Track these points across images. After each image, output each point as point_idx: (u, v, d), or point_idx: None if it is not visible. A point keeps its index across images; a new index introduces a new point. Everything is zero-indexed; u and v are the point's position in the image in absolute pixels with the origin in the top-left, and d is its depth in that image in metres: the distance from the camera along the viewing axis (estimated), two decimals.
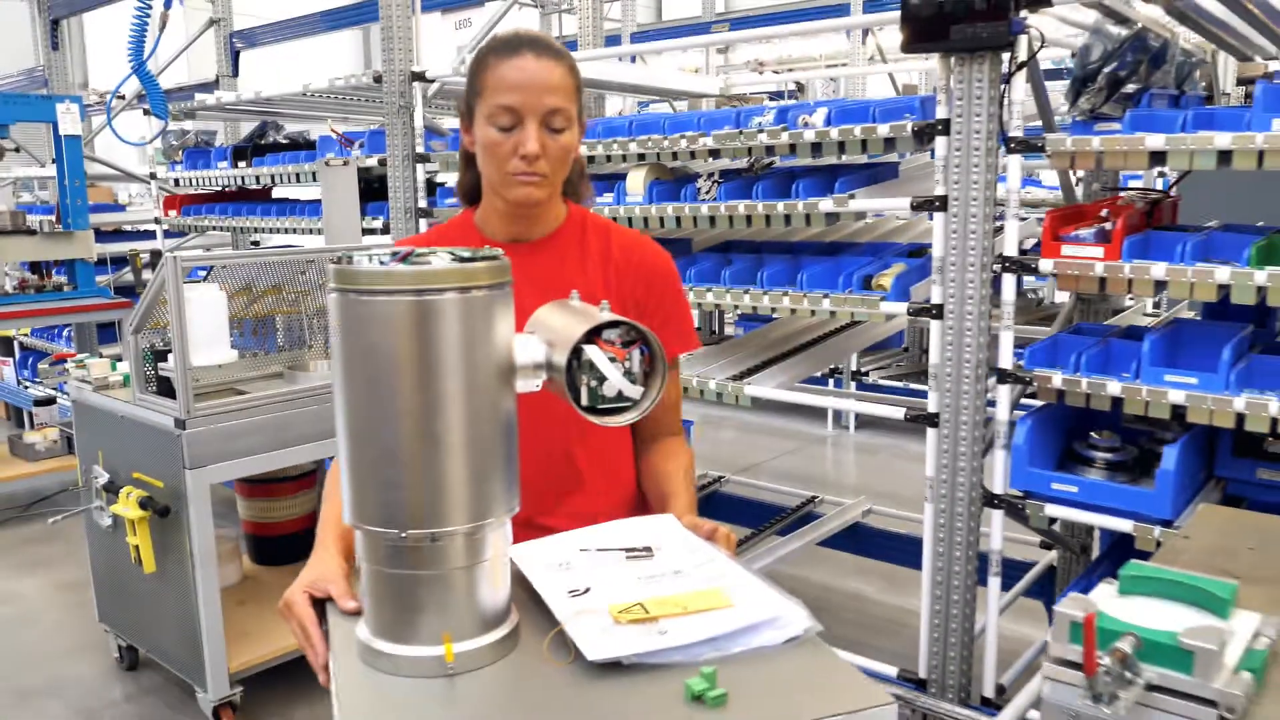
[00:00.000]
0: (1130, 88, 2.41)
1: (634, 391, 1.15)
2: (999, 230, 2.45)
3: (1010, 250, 2.40)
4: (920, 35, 2.33)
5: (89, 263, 5.16)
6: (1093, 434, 2.51)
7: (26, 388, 5.77)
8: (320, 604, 1.28)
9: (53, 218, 5.26)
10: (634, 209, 3.10)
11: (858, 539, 3.72)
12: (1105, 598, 1.41)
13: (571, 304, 1.24)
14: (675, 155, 3.03)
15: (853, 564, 3.97)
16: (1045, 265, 2.36)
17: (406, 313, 1.05)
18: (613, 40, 6.18)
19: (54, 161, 5.10)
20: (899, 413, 2.67)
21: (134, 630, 3.31)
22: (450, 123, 4.57)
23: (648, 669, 1.08)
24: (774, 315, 3.04)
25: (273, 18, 6.67)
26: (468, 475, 1.11)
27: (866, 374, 5.56)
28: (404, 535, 1.10)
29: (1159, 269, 2.21)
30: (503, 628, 1.16)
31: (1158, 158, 2.21)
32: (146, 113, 5.01)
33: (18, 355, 6.24)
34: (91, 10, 6.42)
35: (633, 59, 5.09)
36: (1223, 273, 2.13)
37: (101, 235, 6.23)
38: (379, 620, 1.15)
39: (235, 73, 6.32)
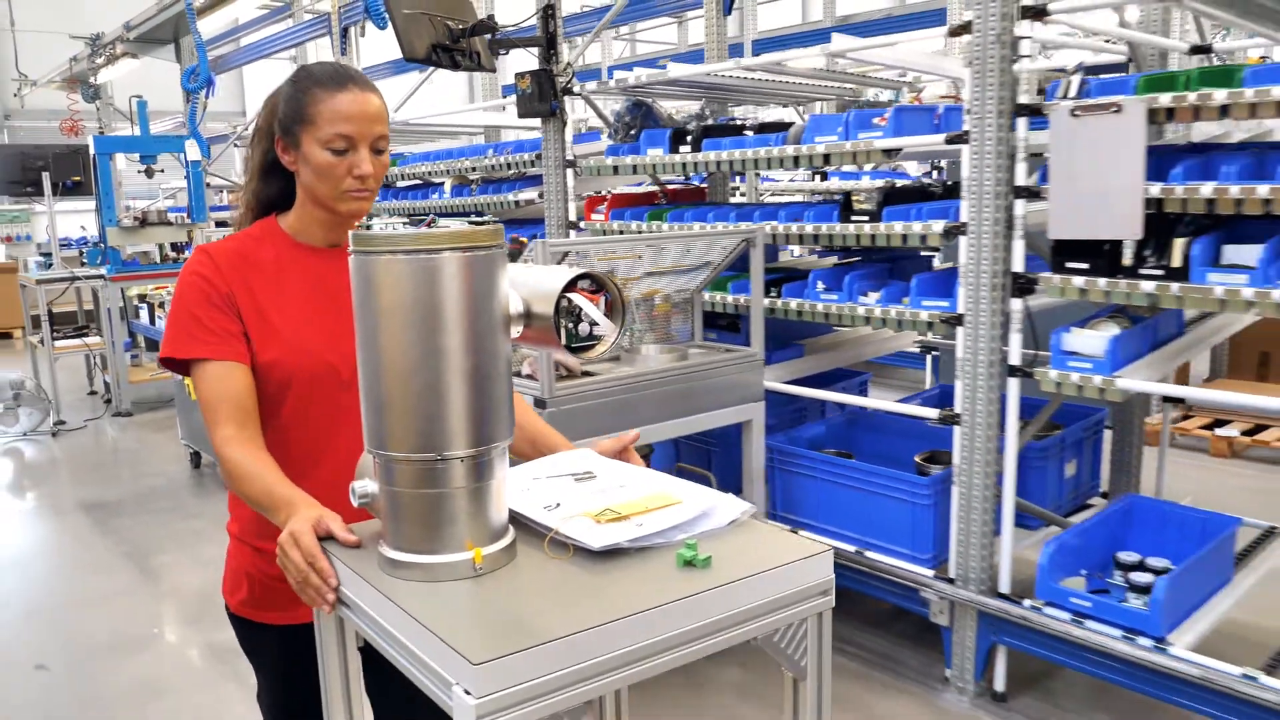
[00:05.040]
0: (634, 131, 4.56)
1: (609, 329, 1.32)
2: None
3: (571, 218, 4.60)
4: (522, 109, 4.58)
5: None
6: None
7: None
8: None
9: (184, 214, 8.18)
10: (444, 202, 5.50)
11: None
12: None
13: (532, 265, 1.45)
14: (462, 171, 5.38)
15: None
16: (583, 225, 4.57)
17: (442, 267, 1.19)
18: None
19: (186, 177, 8.01)
20: None
21: (193, 438, 6.03)
22: None
23: (635, 553, 1.29)
24: None
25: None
26: (493, 405, 1.27)
27: None
28: (440, 458, 1.24)
29: (616, 224, 4.38)
30: (508, 536, 1.33)
31: (620, 169, 4.37)
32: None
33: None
34: (220, 73, 9.39)
35: None
36: (639, 224, 4.29)
37: (222, 224, 9.18)
38: (406, 537, 1.28)
39: None
